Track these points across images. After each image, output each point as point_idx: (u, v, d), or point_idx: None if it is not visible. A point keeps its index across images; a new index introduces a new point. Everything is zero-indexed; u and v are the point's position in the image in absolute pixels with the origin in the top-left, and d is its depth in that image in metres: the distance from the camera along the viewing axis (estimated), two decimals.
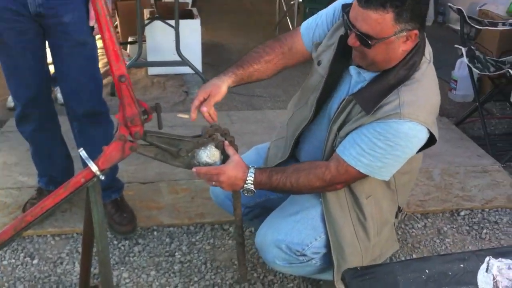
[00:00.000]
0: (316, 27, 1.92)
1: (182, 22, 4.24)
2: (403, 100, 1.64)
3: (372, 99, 1.67)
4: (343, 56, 1.78)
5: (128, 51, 4.85)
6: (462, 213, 2.77)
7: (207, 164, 1.75)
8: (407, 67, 1.68)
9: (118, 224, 2.49)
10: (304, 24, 1.96)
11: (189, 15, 4.69)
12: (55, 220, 2.54)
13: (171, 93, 4.18)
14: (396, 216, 1.97)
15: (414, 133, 1.67)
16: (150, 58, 4.46)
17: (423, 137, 1.71)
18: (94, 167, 1.66)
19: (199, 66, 4.45)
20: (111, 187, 2.52)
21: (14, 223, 1.73)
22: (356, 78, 1.79)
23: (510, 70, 3.25)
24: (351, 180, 1.78)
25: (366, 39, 1.59)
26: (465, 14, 3.61)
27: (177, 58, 4.24)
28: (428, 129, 1.69)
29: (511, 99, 3.84)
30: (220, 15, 6.49)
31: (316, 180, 1.76)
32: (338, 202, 1.86)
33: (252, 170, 1.77)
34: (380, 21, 1.55)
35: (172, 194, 2.80)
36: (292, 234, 1.86)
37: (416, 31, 1.62)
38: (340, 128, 1.78)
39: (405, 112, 1.64)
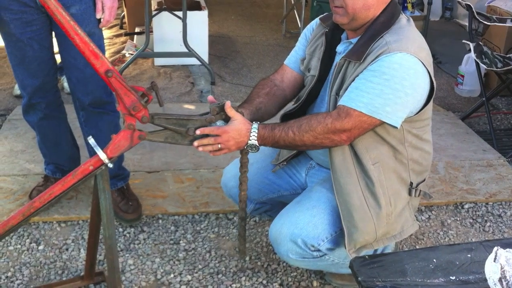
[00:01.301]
0: (295, 53, 2.10)
1: (190, 14, 4.25)
2: (389, 40, 1.72)
3: (360, 49, 1.76)
4: (330, 52, 1.91)
5: (135, 41, 4.86)
6: (466, 206, 2.77)
7: None
8: (387, 17, 1.78)
9: (123, 212, 2.51)
10: (286, 60, 2.12)
11: (196, 7, 4.69)
12: (60, 207, 2.56)
13: (177, 84, 4.19)
14: (410, 193, 1.94)
15: (409, 64, 1.69)
16: (157, 49, 4.47)
17: (420, 70, 1.71)
18: (102, 155, 1.68)
19: (205, 58, 4.46)
20: (117, 175, 2.53)
21: (22, 209, 1.75)
22: (344, 49, 1.87)
23: None
24: (356, 127, 1.73)
25: None
26: (474, 10, 3.61)
27: (184, 49, 4.25)
28: (423, 63, 1.71)
29: None
30: (227, 7, 6.49)
31: (318, 124, 1.74)
32: (345, 168, 1.84)
33: (255, 125, 1.78)
34: None
35: (177, 183, 2.81)
36: (308, 228, 1.85)
37: None
38: (338, 91, 1.82)
39: (394, 47, 1.70)
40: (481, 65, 3.52)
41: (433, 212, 2.72)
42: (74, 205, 2.59)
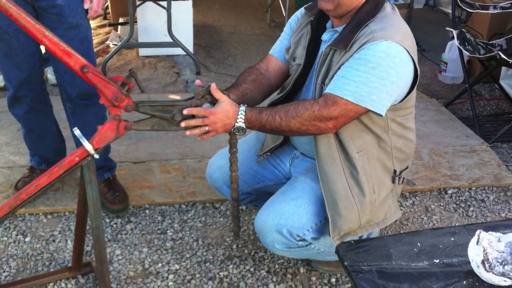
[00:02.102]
0: (280, 43, 2.11)
1: (174, 3, 4.23)
2: (374, 28, 1.74)
3: (345, 37, 1.78)
4: (316, 41, 1.93)
5: (119, 32, 4.83)
6: (450, 192, 2.81)
7: None
8: (372, 5, 1.80)
9: (110, 203, 2.51)
10: (271, 49, 2.13)
11: None
12: (46, 199, 2.56)
13: (162, 74, 4.19)
14: (393, 181, 1.97)
15: (394, 52, 1.71)
16: (141, 39, 4.45)
17: (405, 58, 1.74)
18: (88, 146, 1.69)
19: (190, 48, 4.45)
20: (104, 166, 2.54)
21: (8, 201, 1.75)
22: (330, 37, 1.88)
23: (500, 53, 3.28)
24: (342, 115, 1.74)
25: None
26: None
27: (168, 39, 4.23)
28: (407, 52, 1.73)
29: (500, 81, 3.89)
30: None
31: (304, 111, 1.75)
32: (330, 157, 1.86)
33: (242, 107, 1.79)
34: None
35: (164, 174, 2.82)
36: (293, 218, 1.87)
37: None
38: (324, 79, 1.83)
39: (379, 35, 1.72)
40: (464, 52, 3.56)
41: (417, 198, 2.75)
42: (61, 197, 2.59)
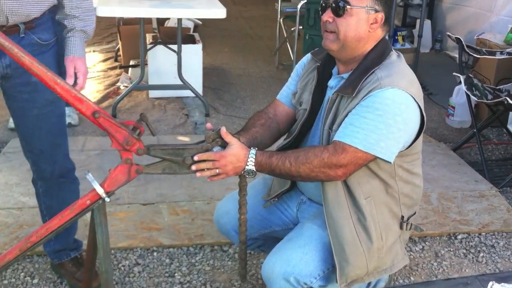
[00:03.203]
0: (287, 88, 2.14)
1: (184, 47, 4.32)
2: (381, 75, 1.77)
3: (352, 83, 1.80)
4: (322, 86, 1.96)
5: (129, 74, 4.91)
6: (460, 237, 2.79)
7: None
8: (378, 53, 1.84)
9: (81, 282, 2.28)
10: (278, 94, 2.16)
11: (191, 40, 4.77)
12: None
13: (171, 116, 4.23)
14: (401, 227, 1.96)
15: (400, 99, 1.73)
16: (151, 82, 4.52)
17: (411, 105, 1.75)
18: (100, 189, 1.70)
19: (199, 90, 4.51)
20: (68, 248, 2.37)
21: (19, 244, 1.75)
22: (336, 83, 1.91)
23: (508, 98, 3.30)
24: (351, 163, 1.75)
25: (341, 5, 1.78)
26: (464, 43, 3.68)
27: (178, 81, 4.30)
28: (414, 98, 1.75)
29: (508, 126, 3.90)
30: (220, 39, 6.58)
31: (314, 157, 1.76)
32: (338, 202, 1.86)
33: (253, 150, 1.79)
34: None
35: (173, 215, 2.82)
36: (300, 266, 1.85)
37: (382, 15, 1.82)
38: (332, 125, 1.85)
39: (385, 82, 1.74)
40: (472, 97, 3.58)
41: (426, 243, 2.73)
42: None
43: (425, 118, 1.81)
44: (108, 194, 1.71)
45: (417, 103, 1.77)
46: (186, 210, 2.86)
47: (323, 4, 1.85)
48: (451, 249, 2.70)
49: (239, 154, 1.78)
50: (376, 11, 1.80)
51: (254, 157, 1.79)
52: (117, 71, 5.14)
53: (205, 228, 2.71)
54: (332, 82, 1.94)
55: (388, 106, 1.72)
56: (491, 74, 4.17)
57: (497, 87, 3.76)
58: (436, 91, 4.92)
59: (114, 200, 2.83)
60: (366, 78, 1.78)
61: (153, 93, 4.57)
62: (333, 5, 1.81)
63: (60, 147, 2.17)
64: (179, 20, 4.21)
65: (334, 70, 1.96)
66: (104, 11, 3.69)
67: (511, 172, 3.39)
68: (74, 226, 2.34)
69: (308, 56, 2.09)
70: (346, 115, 1.79)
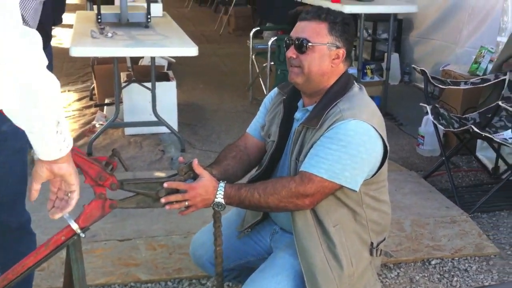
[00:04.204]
0: (256, 121, 2.23)
1: (159, 84, 4.38)
2: (343, 107, 1.86)
3: (316, 116, 1.89)
4: (288, 119, 2.03)
5: (105, 112, 4.94)
6: (433, 262, 2.85)
7: None
8: (341, 86, 1.93)
9: None
10: (248, 128, 2.25)
11: (165, 78, 4.84)
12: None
13: (147, 152, 4.26)
14: (371, 253, 2.01)
15: (362, 130, 1.81)
16: (127, 119, 4.56)
17: (374, 136, 1.84)
18: (74, 225, 1.70)
19: (175, 126, 4.56)
20: None
21: None
22: (301, 116, 1.98)
23: (473, 126, 3.41)
24: (318, 192, 1.81)
25: (303, 42, 1.88)
26: (429, 75, 3.81)
27: (153, 118, 4.34)
28: (375, 129, 1.83)
29: (476, 153, 4.02)
30: (195, 76, 6.66)
31: (282, 188, 1.81)
32: (308, 231, 1.91)
33: (222, 184, 1.83)
34: (317, 29, 1.89)
35: (150, 250, 2.83)
36: None
37: (344, 51, 1.91)
38: (298, 156, 1.91)
39: (347, 114, 1.83)
40: (439, 126, 3.69)
41: (401, 269, 2.78)
42: (46, 276, 2.57)
43: (387, 147, 1.89)
44: (83, 229, 1.72)
45: (379, 133, 1.85)
46: (163, 245, 2.87)
47: (287, 41, 1.94)
48: (426, 275, 2.75)
49: (208, 186, 1.81)
50: (338, 47, 1.90)
51: (223, 190, 1.83)
52: (92, 109, 5.16)
53: (183, 262, 2.72)
54: (298, 114, 2.02)
55: (351, 137, 1.80)
56: (458, 103, 4.31)
57: (464, 116, 3.88)
58: (406, 122, 5.05)
59: (91, 237, 2.83)
60: (329, 110, 1.87)
61: (128, 130, 4.60)
62: (296, 42, 1.90)
63: (22, 195, 2.04)
64: (153, 58, 4.29)
65: (300, 103, 2.04)
66: (78, 51, 3.75)
67: (481, 198, 3.48)
68: (30, 279, 2.15)
69: (275, 90, 2.17)
70: (312, 146, 1.86)
